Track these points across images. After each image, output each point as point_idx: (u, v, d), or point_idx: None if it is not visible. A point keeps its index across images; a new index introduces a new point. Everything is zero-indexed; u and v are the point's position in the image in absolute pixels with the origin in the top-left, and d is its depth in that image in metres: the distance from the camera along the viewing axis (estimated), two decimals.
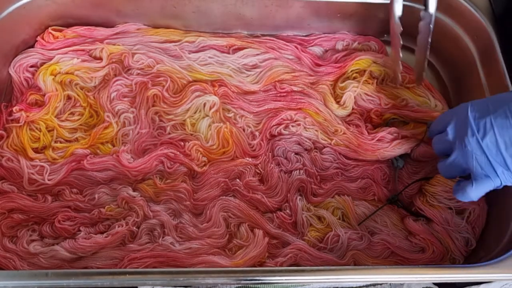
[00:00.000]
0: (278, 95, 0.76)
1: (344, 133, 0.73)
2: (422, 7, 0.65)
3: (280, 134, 0.73)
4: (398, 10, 0.67)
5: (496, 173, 0.57)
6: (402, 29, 0.67)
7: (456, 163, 0.60)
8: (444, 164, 0.62)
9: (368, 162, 0.72)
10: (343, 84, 0.76)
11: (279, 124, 0.73)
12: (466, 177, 0.61)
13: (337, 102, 0.75)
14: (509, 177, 0.57)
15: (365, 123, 0.74)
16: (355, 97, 0.75)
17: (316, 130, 0.73)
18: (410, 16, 0.68)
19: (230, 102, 0.75)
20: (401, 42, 0.69)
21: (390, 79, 0.76)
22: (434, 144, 0.64)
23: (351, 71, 0.77)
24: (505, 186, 0.59)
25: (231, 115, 0.74)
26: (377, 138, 0.71)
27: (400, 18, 0.67)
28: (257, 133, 0.73)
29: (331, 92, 0.76)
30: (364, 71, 0.76)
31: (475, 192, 0.59)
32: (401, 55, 0.71)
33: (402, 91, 0.76)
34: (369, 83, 0.75)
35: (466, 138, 0.57)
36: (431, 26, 0.65)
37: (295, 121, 0.73)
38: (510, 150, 0.55)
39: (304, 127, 0.73)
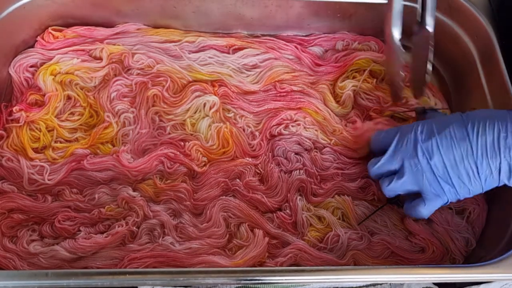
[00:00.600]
0: (278, 95, 0.76)
1: (341, 133, 0.73)
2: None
3: (280, 134, 0.73)
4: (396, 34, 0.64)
5: (444, 191, 0.60)
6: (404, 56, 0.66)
7: (406, 183, 0.62)
8: (393, 185, 0.63)
9: (368, 161, 0.72)
10: (342, 84, 0.76)
11: (279, 124, 0.73)
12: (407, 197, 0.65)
13: (337, 102, 0.76)
14: (454, 194, 0.60)
15: (365, 120, 0.74)
16: (354, 96, 0.76)
17: (316, 130, 0.73)
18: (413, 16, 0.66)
19: (230, 102, 0.75)
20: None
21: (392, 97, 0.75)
22: (372, 165, 0.65)
23: (351, 70, 0.77)
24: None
25: (231, 115, 0.74)
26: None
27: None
28: (257, 133, 0.73)
29: (331, 92, 0.76)
30: (364, 70, 0.76)
31: (427, 210, 0.63)
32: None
33: (405, 90, 0.76)
34: (368, 82, 0.76)
35: (416, 159, 0.60)
36: (431, 42, 0.64)
37: (295, 121, 0.73)
38: (455, 169, 0.58)
39: (304, 127, 0.73)
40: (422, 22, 0.64)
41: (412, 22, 0.65)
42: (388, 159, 0.63)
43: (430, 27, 0.63)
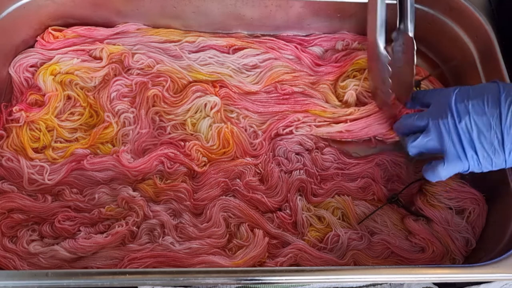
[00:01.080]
0: (281, 97, 0.76)
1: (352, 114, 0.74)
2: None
3: (288, 133, 0.73)
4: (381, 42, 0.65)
5: (466, 156, 0.60)
6: (390, 59, 0.66)
7: (431, 141, 0.62)
8: (418, 142, 0.63)
9: (368, 160, 0.72)
10: (343, 83, 0.76)
11: (287, 126, 0.74)
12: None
13: (339, 101, 0.76)
14: (476, 162, 0.60)
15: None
16: (356, 95, 0.76)
17: (328, 124, 0.74)
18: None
19: (233, 103, 0.75)
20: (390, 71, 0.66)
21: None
22: (405, 120, 0.66)
23: (351, 70, 0.78)
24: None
25: (233, 115, 0.74)
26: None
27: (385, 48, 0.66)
28: (259, 132, 0.73)
29: (332, 92, 0.76)
30: (364, 69, 0.76)
31: (445, 172, 0.62)
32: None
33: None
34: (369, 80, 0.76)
35: (446, 119, 0.60)
36: (415, 47, 0.64)
37: (304, 123, 0.73)
38: (481, 137, 0.58)
39: (316, 126, 0.73)
40: (403, 28, 0.65)
41: (391, 29, 0.65)
42: (419, 115, 0.63)
43: (411, 32, 0.64)
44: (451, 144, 0.60)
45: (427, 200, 0.69)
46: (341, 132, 0.74)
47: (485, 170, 0.61)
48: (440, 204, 0.68)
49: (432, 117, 0.61)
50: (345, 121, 0.74)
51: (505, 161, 0.59)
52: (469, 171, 0.61)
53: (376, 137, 0.75)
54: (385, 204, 0.69)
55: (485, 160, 0.59)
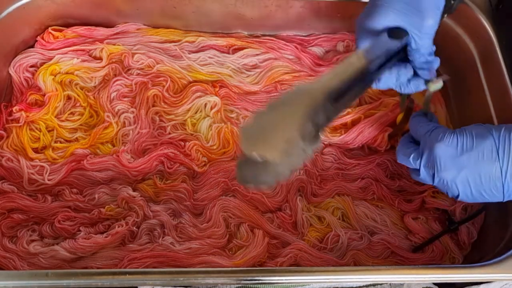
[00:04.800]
0: None
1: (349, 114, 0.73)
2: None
3: None
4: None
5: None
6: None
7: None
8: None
9: (370, 161, 0.72)
10: None
11: None
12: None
13: None
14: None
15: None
16: (359, 99, 0.76)
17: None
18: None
19: (233, 103, 0.75)
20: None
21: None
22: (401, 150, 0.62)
23: None
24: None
25: (233, 115, 0.74)
26: None
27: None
28: None
29: None
30: None
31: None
32: None
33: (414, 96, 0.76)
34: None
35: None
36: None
37: None
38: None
39: None
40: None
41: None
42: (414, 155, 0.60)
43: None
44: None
45: (431, 194, 0.69)
46: (337, 143, 0.73)
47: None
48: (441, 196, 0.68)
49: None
50: (341, 127, 0.73)
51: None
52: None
53: (369, 146, 0.73)
54: (446, 231, 0.67)
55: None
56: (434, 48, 0.60)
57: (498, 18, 0.74)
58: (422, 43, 0.58)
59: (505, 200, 0.56)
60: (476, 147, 0.55)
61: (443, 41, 0.78)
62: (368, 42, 0.58)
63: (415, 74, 0.60)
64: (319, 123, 0.49)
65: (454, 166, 0.55)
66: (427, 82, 0.60)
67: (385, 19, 0.57)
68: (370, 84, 0.58)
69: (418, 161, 0.59)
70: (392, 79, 0.60)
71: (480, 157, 0.55)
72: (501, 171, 0.54)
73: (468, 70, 0.77)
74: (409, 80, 0.60)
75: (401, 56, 0.59)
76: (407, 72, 0.60)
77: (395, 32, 0.57)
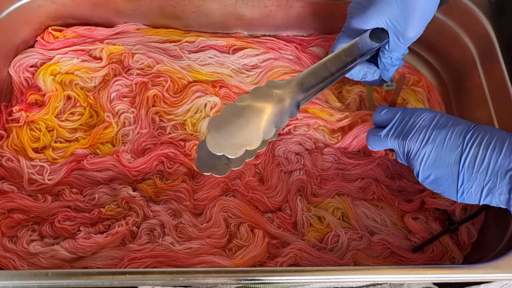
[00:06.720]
0: None
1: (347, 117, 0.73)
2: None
3: (288, 133, 0.73)
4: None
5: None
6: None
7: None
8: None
9: (370, 161, 0.72)
10: (351, 88, 0.76)
11: (286, 126, 0.73)
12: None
13: (341, 102, 0.75)
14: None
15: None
16: (360, 101, 0.76)
17: (323, 130, 0.73)
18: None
19: None
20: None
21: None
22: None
23: None
24: None
25: None
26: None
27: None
28: None
29: (332, 92, 0.76)
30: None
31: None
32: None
33: (406, 94, 0.76)
34: (377, 92, 0.75)
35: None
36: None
37: (304, 123, 0.73)
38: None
39: (314, 128, 0.73)
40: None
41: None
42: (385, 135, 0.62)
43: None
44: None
45: (431, 194, 0.69)
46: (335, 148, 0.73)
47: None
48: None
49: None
50: (339, 130, 0.73)
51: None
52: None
53: (365, 151, 0.73)
54: (446, 231, 0.67)
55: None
56: (407, 51, 0.63)
57: (498, 18, 0.74)
58: (398, 49, 0.61)
59: (459, 198, 0.57)
60: (449, 127, 0.57)
61: (443, 41, 0.78)
62: (349, 40, 0.62)
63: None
64: (281, 125, 0.55)
65: (422, 137, 0.57)
66: (383, 81, 0.68)
67: (374, 23, 0.60)
68: (339, 78, 0.63)
69: (389, 132, 0.61)
70: (358, 76, 0.68)
71: (448, 138, 0.56)
72: (460, 160, 0.55)
73: (468, 70, 0.77)
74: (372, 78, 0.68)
75: (373, 54, 0.63)
76: (374, 74, 0.67)
77: (377, 34, 0.61)
